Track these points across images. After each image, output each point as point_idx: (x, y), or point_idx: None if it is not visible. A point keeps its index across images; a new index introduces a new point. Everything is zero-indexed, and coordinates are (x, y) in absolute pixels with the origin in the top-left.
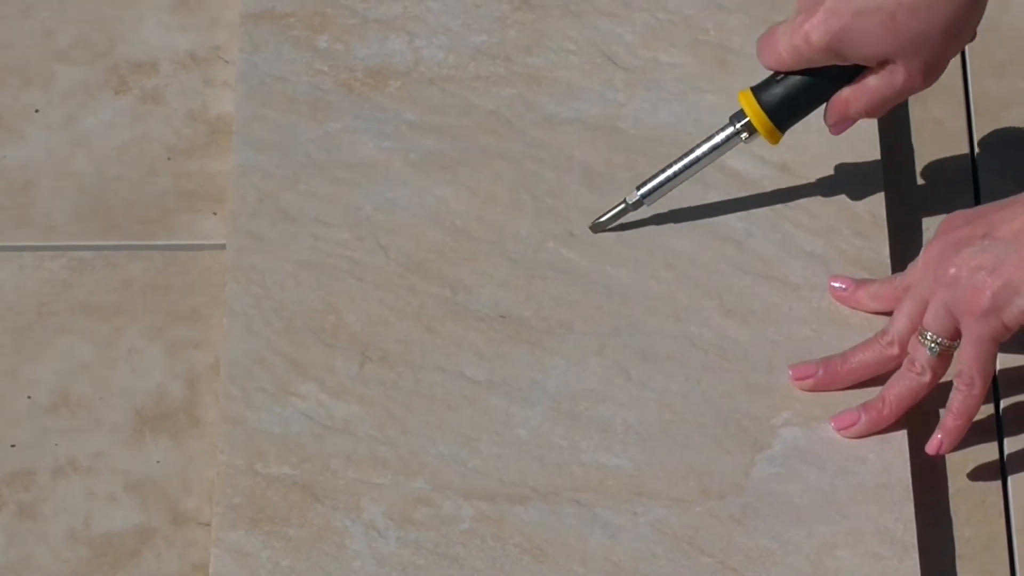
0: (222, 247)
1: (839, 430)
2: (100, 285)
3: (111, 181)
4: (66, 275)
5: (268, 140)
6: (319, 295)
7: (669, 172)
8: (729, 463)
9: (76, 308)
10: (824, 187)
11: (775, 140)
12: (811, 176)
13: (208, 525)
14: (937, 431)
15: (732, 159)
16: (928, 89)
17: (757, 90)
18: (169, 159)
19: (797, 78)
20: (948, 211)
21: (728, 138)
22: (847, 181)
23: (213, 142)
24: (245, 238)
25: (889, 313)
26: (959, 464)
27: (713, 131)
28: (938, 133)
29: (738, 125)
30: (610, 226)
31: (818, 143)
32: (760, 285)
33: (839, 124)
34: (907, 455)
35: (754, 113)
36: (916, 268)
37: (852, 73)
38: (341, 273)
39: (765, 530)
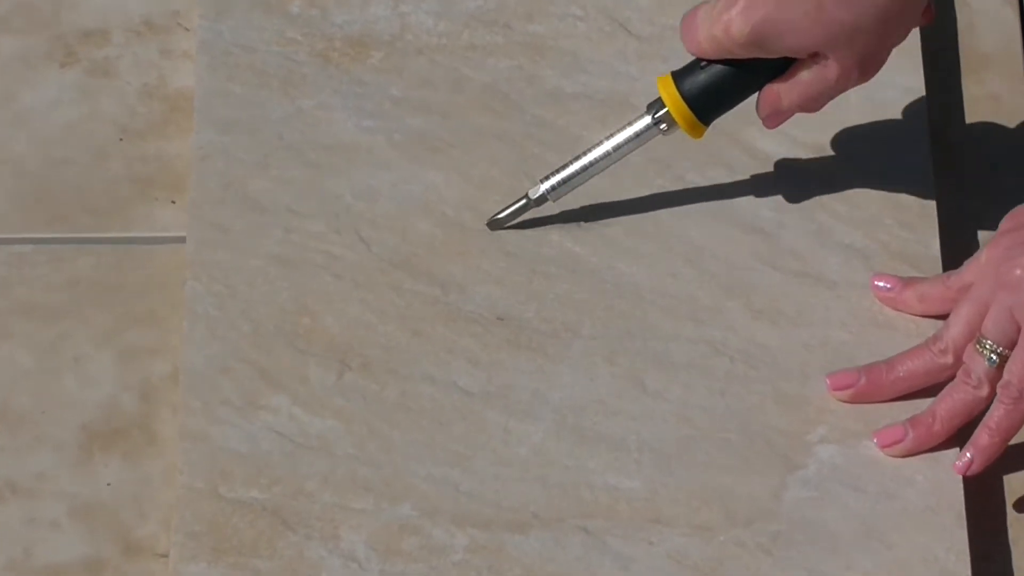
0: (182, 240)
1: (883, 448)
2: (43, 283)
3: (55, 166)
4: (4, 272)
5: (233, 119)
6: (292, 295)
7: (576, 166)
8: (757, 485)
9: (16, 309)
10: (866, 172)
11: (698, 134)
12: (851, 159)
13: (165, 556)
14: (967, 448)
15: (760, 139)
16: (984, 61)
17: (679, 76)
18: (121, 140)
19: (722, 66)
20: (1007, 199)
21: (644, 129)
22: (892, 165)
23: (171, 121)
24: (207, 230)
25: (941, 316)
26: (1018, 487)
27: (630, 118)
28: (996, 111)
29: (656, 115)
30: (508, 224)
31: (859, 120)
32: (792, 283)
33: (772, 118)
34: (959, 477)
35: (673, 103)
36: (976, 266)
37: (783, 63)
38: (317, 270)
39: (799, 561)
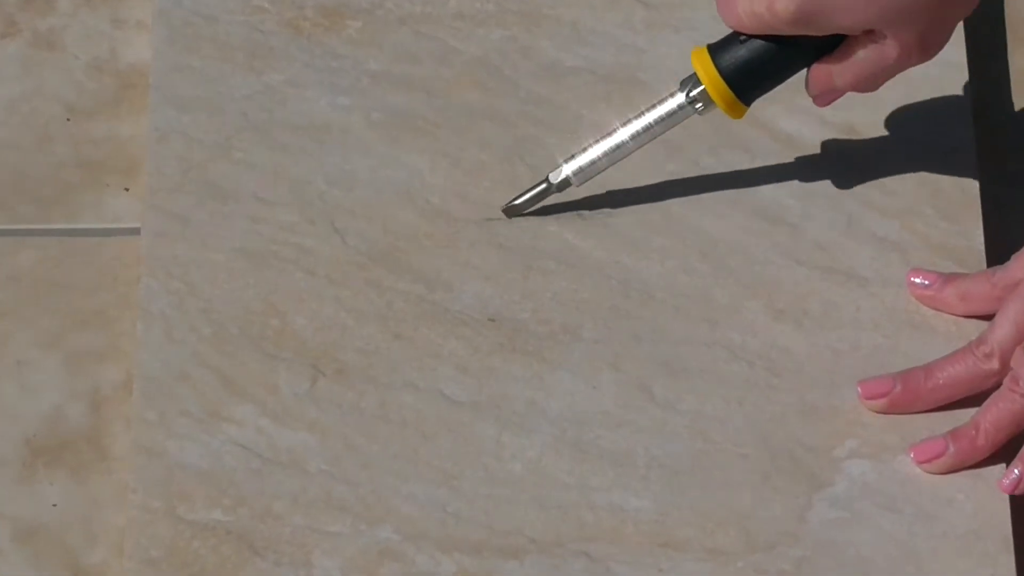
0: (136, 232)
1: (921, 463)
2: None
3: None
4: None
5: (194, 96)
6: (259, 293)
7: (602, 148)
8: (779, 506)
9: None
10: (901, 155)
11: (738, 114)
12: (884, 141)
13: None
14: (1015, 464)
15: (783, 118)
16: None
17: (716, 50)
18: (68, 121)
19: (765, 42)
20: None
21: (678, 109)
22: (931, 148)
23: (124, 99)
24: (164, 220)
25: (986, 317)
26: None
27: (662, 96)
28: None
29: (691, 93)
30: (528, 210)
31: (894, 98)
32: (819, 280)
33: (823, 97)
34: (1006, 496)
35: (711, 80)
36: None
37: (833, 39)
38: (287, 265)
39: None
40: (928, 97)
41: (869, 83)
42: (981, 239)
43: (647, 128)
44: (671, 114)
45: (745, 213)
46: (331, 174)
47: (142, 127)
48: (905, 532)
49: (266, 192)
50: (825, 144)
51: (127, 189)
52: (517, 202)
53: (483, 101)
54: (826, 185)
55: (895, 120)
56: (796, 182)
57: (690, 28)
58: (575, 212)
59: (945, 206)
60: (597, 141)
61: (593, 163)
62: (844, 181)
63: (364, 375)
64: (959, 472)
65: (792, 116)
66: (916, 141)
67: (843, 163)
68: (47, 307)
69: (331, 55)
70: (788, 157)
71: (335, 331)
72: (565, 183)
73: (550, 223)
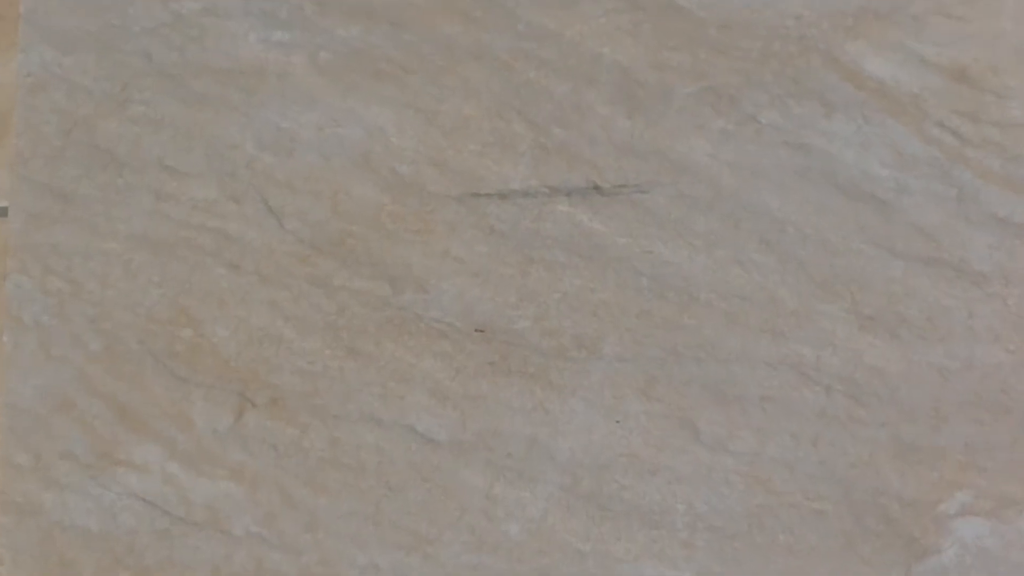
0: (2, 212)
1: None
2: None
3: None
4: None
5: (78, 30)
6: (166, 294)
7: None
8: None
9: None
10: None
11: None
12: (1006, 87)
13: None
14: None
15: (870, 57)
16: None
17: None
18: None
19: None
20: None
21: None
22: None
23: None
24: (39, 197)
25: None
26: None
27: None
28: None
29: None
30: None
31: (1017, 31)
32: (920, 275)
33: None
34: None
35: None
36: None
37: None
38: (204, 257)
39: None
40: None
41: None
42: None
43: None
44: None
45: (820, 186)
46: (263, 134)
47: (10, 72)
48: None
49: (176, 159)
50: (927, 92)
51: None
52: None
53: (468, 36)
54: (929, 149)
55: (1019, 60)
56: (889, 145)
57: None
58: (592, 185)
59: None
60: None
61: None
62: (953, 143)
63: (308, 405)
64: None
65: (883, 54)
66: None
67: (951, 118)
68: None
69: None
70: (878, 110)
71: (269, 346)
72: None
73: (559, 200)
